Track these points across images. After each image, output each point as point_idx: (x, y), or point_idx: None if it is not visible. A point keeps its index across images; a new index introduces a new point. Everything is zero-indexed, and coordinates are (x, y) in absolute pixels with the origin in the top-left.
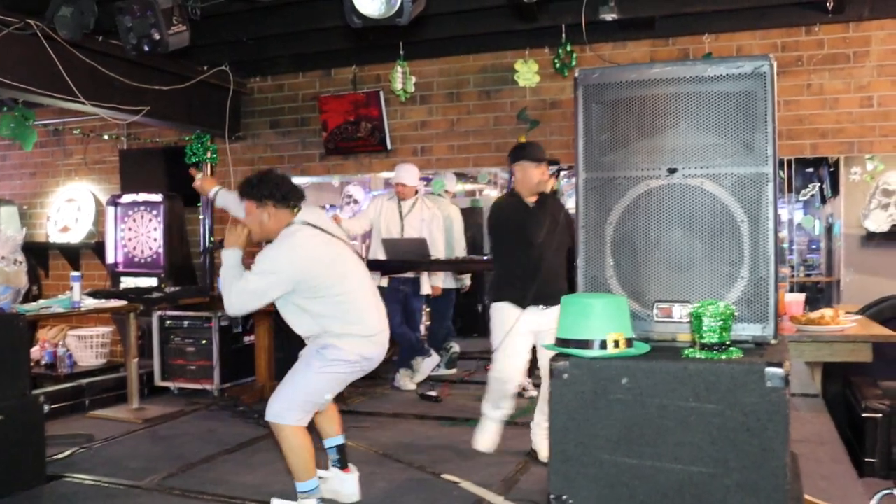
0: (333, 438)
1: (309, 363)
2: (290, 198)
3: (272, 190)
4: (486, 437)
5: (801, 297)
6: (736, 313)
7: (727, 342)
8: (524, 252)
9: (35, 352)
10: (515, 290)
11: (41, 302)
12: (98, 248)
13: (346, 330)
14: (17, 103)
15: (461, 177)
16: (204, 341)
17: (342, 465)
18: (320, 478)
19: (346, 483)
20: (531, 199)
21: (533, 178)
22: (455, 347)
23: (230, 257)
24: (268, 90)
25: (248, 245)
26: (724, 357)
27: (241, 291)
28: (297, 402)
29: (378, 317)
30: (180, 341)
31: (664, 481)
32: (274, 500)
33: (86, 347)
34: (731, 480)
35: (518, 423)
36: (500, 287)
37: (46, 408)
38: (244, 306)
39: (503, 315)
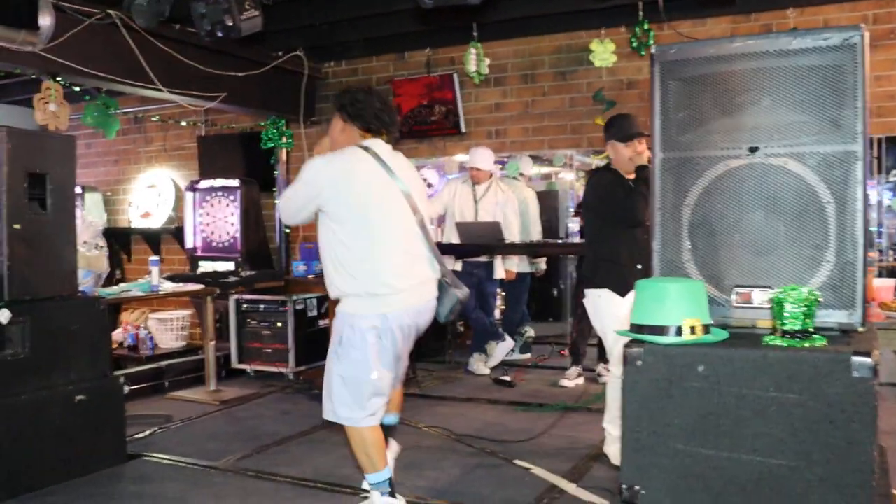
0: (386, 416)
1: (336, 342)
2: (365, 118)
3: (347, 102)
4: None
5: (892, 282)
6: (820, 299)
7: (810, 329)
8: (625, 233)
9: (118, 334)
10: (614, 276)
11: (122, 286)
12: (177, 233)
13: (368, 286)
14: (100, 92)
15: (536, 159)
16: (279, 325)
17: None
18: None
19: None
20: (630, 176)
21: (624, 155)
22: (529, 332)
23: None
24: (342, 74)
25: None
26: (807, 345)
27: (284, 194)
28: (340, 396)
29: (407, 269)
30: (256, 325)
31: (741, 474)
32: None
33: (166, 330)
34: (814, 475)
35: (591, 409)
36: (597, 272)
37: (127, 388)
38: (284, 212)
39: (604, 304)
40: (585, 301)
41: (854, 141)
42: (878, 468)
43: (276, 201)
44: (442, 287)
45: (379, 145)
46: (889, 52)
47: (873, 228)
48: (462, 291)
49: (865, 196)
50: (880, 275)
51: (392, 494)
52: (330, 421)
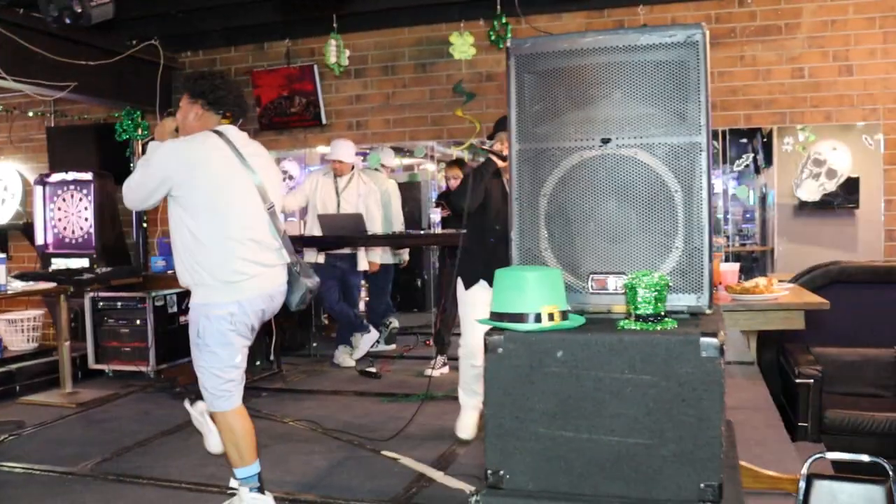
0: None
1: (195, 334)
2: (224, 105)
3: (207, 89)
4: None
5: (736, 266)
6: (670, 284)
7: (662, 313)
8: (476, 225)
9: None
10: (463, 266)
11: None
12: (27, 229)
13: (220, 274)
14: None
15: (398, 151)
16: (138, 322)
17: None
18: (195, 415)
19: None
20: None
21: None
22: (394, 323)
23: (151, 149)
24: (199, 65)
25: (163, 138)
26: (659, 328)
27: (130, 179)
28: (211, 386)
29: (257, 255)
30: (114, 323)
31: (601, 453)
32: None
33: (16, 331)
34: (668, 451)
35: (457, 397)
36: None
37: None
38: (131, 197)
39: (458, 292)
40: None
41: (698, 133)
42: (726, 442)
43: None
44: (292, 275)
45: (233, 132)
46: (730, 49)
47: (720, 215)
48: (312, 280)
49: (710, 185)
50: (727, 259)
51: (261, 490)
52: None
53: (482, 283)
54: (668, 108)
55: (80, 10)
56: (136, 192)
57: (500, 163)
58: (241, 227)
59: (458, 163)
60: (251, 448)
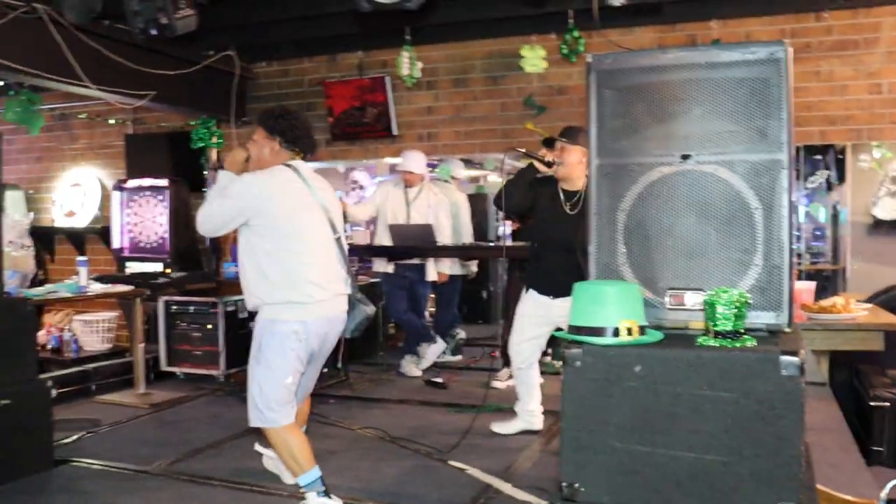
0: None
1: (256, 348)
2: (298, 144)
3: (286, 128)
4: None
5: (812, 285)
6: (750, 301)
7: (741, 330)
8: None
9: (41, 336)
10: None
11: (48, 286)
12: (104, 233)
13: (288, 295)
14: (22, 87)
15: (467, 163)
16: (210, 326)
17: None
18: (269, 457)
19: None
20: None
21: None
22: (461, 334)
23: (223, 178)
24: (273, 75)
25: (243, 170)
26: (737, 345)
27: (206, 208)
28: (261, 401)
29: (325, 281)
30: (186, 326)
31: (677, 469)
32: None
33: (91, 332)
34: (745, 469)
35: None
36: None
37: (53, 392)
38: (207, 224)
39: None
40: None
41: (780, 150)
42: (804, 462)
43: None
44: (352, 303)
45: (302, 165)
46: (805, 64)
47: (795, 233)
48: (370, 308)
49: (791, 203)
50: (799, 278)
51: (327, 494)
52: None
53: (530, 292)
54: (749, 125)
55: (165, 22)
56: (213, 221)
57: (543, 168)
58: (312, 253)
59: (547, 143)
60: (308, 456)
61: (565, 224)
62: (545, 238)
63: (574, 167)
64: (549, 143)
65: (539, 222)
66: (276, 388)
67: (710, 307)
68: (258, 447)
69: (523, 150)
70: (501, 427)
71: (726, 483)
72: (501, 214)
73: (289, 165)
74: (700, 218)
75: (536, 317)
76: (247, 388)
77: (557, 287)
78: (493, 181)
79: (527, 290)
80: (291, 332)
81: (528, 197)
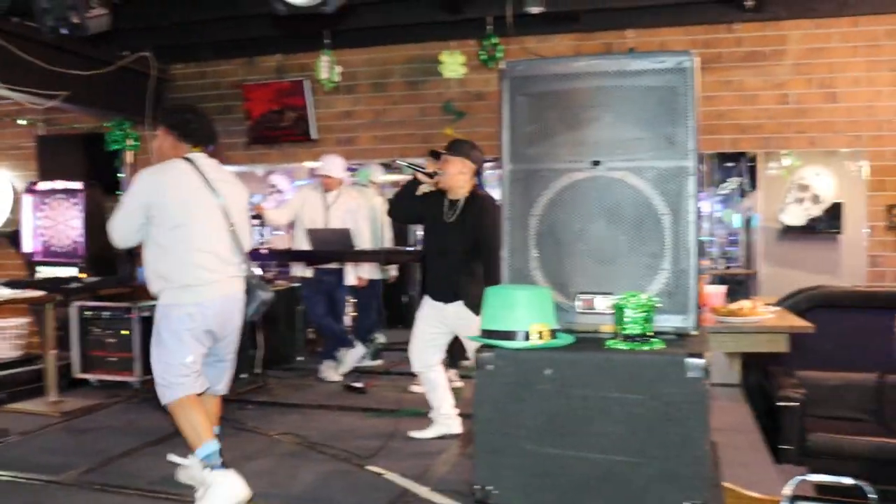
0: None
1: (156, 332)
2: (194, 136)
3: (182, 122)
4: None
5: (723, 288)
6: (658, 305)
7: (649, 333)
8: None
9: None
10: None
11: None
12: (14, 237)
13: (181, 279)
14: None
15: (387, 167)
16: (125, 332)
17: None
18: (184, 467)
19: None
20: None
21: None
22: (380, 338)
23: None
24: (191, 77)
25: None
26: (646, 348)
27: (112, 219)
28: (164, 379)
29: (217, 265)
30: (100, 332)
31: (587, 471)
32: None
33: (1, 339)
34: (653, 469)
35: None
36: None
37: None
38: (119, 233)
39: None
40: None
41: (686, 157)
42: (711, 461)
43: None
44: (250, 287)
45: (201, 159)
46: (718, 74)
47: (705, 238)
48: (267, 293)
49: (697, 208)
50: (712, 282)
51: (224, 466)
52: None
53: (425, 297)
54: (657, 133)
55: (77, 21)
56: (122, 227)
57: (425, 179)
58: (202, 240)
59: (434, 155)
60: (207, 427)
61: (446, 232)
62: (429, 246)
63: (454, 177)
64: (435, 154)
65: (425, 231)
66: (177, 367)
67: (619, 311)
68: (172, 457)
69: (405, 163)
70: (419, 434)
71: (635, 483)
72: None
73: (186, 158)
74: (610, 223)
75: (432, 318)
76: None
77: (446, 292)
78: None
79: (422, 295)
80: (186, 315)
81: (413, 207)
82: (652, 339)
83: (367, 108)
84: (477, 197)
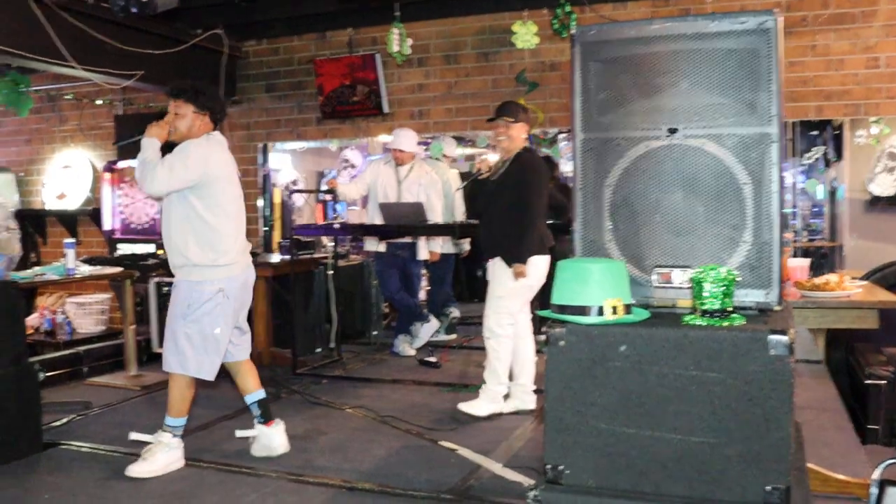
0: (253, 394)
1: (181, 313)
2: (221, 119)
3: (216, 106)
4: None
5: (806, 262)
6: (738, 279)
7: (729, 308)
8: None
9: (33, 319)
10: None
11: (36, 269)
12: (95, 215)
13: (214, 259)
14: (9, 69)
15: (459, 140)
16: None
17: (266, 418)
18: (249, 438)
19: (273, 437)
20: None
21: None
22: (454, 312)
23: (152, 146)
24: (263, 53)
25: (163, 140)
26: (725, 324)
27: (156, 172)
28: (187, 351)
29: (244, 243)
30: None
31: (663, 451)
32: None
33: (85, 314)
34: (733, 451)
35: None
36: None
37: (42, 375)
38: (161, 184)
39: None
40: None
41: (769, 123)
42: (794, 443)
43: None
44: None
45: (221, 138)
46: (802, 38)
47: (788, 210)
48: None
49: (781, 178)
50: (795, 255)
51: (181, 438)
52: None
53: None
54: (738, 98)
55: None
56: (169, 184)
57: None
58: (238, 218)
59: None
60: (189, 405)
61: (491, 191)
62: (475, 207)
63: (517, 140)
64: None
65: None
66: (206, 341)
67: (697, 285)
68: (239, 432)
69: (464, 184)
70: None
71: (714, 466)
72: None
73: (218, 141)
74: (688, 193)
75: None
76: (165, 339)
77: (488, 249)
78: (487, 159)
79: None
80: (218, 291)
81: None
82: (732, 315)
83: (438, 80)
84: (521, 154)
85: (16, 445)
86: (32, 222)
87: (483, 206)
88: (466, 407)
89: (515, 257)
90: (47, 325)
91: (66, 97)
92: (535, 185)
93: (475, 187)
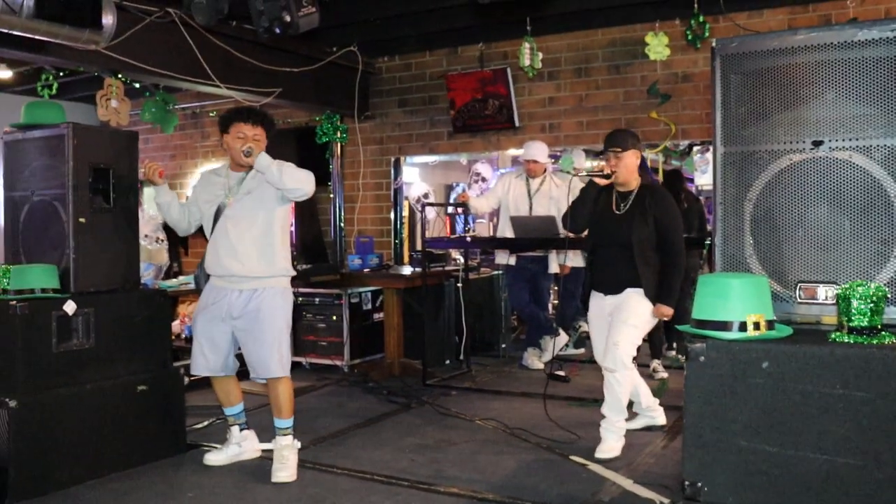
0: (240, 404)
1: (284, 314)
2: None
3: (273, 127)
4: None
5: None
6: (888, 295)
7: (878, 326)
8: None
9: (176, 326)
10: None
11: (181, 278)
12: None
13: (290, 268)
14: (158, 89)
15: (590, 153)
16: (334, 318)
17: (248, 425)
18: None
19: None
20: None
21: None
22: (584, 326)
23: (267, 158)
24: (395, 69)
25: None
26: (875, 342)
27: (306, 174)
28: (287, 355)
29: None
30: (312, 318)
31: (807, 472)
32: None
33: None
34: (884, 474)
35: None
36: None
37: (186, 379)
38: (311, 184)
39: None
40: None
41: None
42: None
43: (293, 183)
44: None
45: None
46: None
47: None
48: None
49: None
50: None
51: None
52: (394, 404)
53: (592, 293)
54: (888, 108)
55: (289, 20)
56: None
57: (602, 182)
58: None
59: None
60: None
61: (618, 225)
62: (598, 240)
63: (631, 171)
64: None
65: (593, 226)
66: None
67: (844, 301)
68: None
69: (583, 173)
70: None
71: (863, 489)
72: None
73: None
74: (833, 207)
75: (601, 317)
76: (273, 347)
77: (615, 284)
78: None
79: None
80: (291, 296)
81: (585, 216)
82: (882, 333)
83: (569, 93)
84: (648, 187)
85: (161, 445)
86: (175, 233)
87: (607, 239)
88: (602, 454)
89: (662, 297)
90: (188, 331)
91: (210, 114)
92: (678, 223)
93: (586, 196)
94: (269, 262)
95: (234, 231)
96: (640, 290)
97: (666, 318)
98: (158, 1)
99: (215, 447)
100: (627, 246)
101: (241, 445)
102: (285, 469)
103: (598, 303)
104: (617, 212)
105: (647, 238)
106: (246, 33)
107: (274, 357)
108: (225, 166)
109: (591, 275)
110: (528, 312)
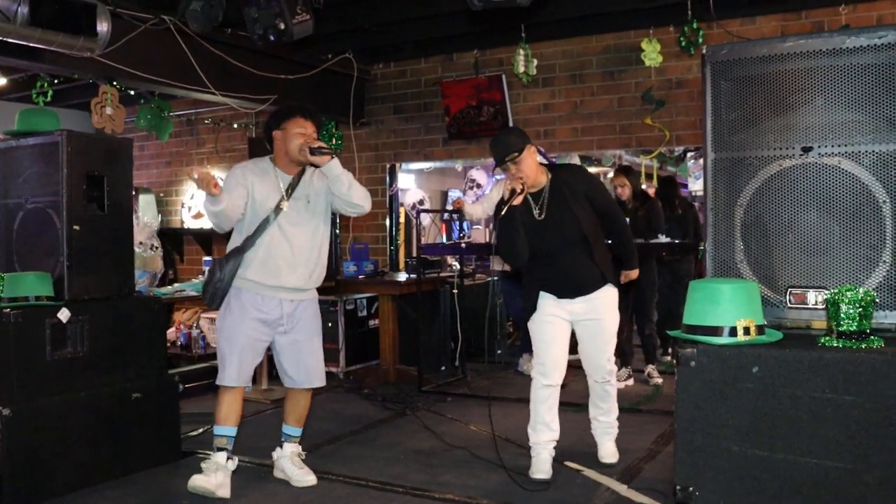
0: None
1: (320, 323)
2: None
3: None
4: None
5: None
6: (877, 300)
7: (867, 330)
8: None
9: (171, 333)
10: None
11: (176, 286)
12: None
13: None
14: (153, 96)
15: (585, 159)
16: (330, 324)
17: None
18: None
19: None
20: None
21: None
22: None
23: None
24: (391, 76)
25: None
26: (863, 346)
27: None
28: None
29: None
30: None
31: (797, 476)
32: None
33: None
34: (873, 477)
35: (642, 410)
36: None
37: (181, 387)
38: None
39: None
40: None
41: None
42: None
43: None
44: None
45: None
46: None
47: None
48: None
49: None
50: None
51: None
52: (389, 411)
53: (545, 295)
54: (877, 114)
55: (283, 27)
56: None
57: (520, 199)
58: None
59: (625, 170)
60: None
61: (545, 228)
62: (537, 250)
63: (534, 169)
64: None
65: (531, 240)
66: None
67: (833, 306)
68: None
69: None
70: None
71: (852, 492)
72: None
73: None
74: (823, 213)
75: (561, 322)
76: (315, 356)
77: (571, 288)
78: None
79: (535, 300)
80: None
81: (518, 237)
82: (870, 337)
83: (564, 100)
84: (553, 171)
85: (157, 452)
86: (171, 240)
87: (542, 247)
88: (609, 459)
89: (624, 265)
90: (183, 339)
91: (205, 121)
92: (603, 186)
93: (510, 217)
94: (320, 276)
95: (297, 240)
96: (607, 286)
97: (633, 279)
98: (153, 8)
99: (209, 454)
100: (579, 241)
101: (226, 477)
102: (310, 473)
103: (554, 310)
104: (539, 219)
105: (595, 222)
106: (241, 40)
107: (322, 365)
108: (271, 164)
109: (542, 283)
110: (523, 318)
